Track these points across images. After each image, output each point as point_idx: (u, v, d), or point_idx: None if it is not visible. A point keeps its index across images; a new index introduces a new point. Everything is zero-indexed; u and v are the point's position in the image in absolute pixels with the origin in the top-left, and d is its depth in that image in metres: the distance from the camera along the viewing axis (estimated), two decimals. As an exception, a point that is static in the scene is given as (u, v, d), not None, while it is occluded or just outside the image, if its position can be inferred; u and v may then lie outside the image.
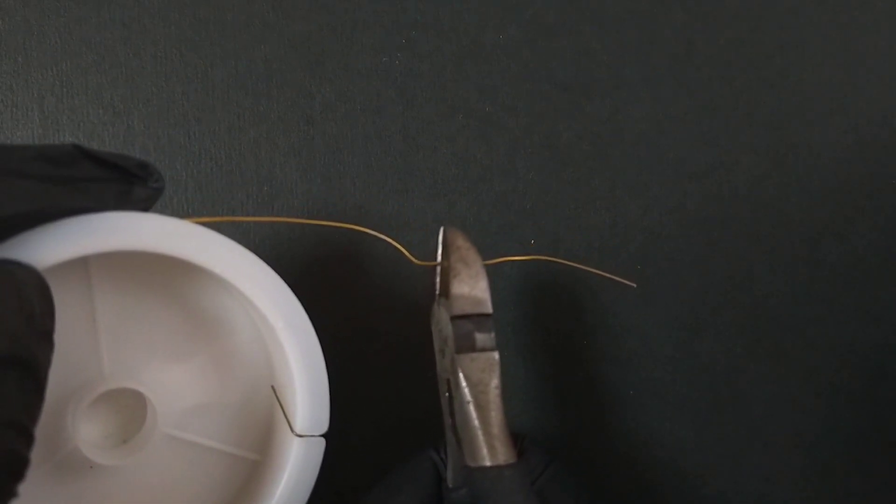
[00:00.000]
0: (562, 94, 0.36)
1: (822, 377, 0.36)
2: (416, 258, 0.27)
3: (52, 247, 0.17)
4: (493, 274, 0.35)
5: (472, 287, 0.25)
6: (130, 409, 0.24)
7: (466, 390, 0.24)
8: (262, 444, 0.25)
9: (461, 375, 0.24)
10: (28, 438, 0.15)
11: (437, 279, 0.27)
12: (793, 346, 0.36)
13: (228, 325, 0.25)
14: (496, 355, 0.25)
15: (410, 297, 0.34)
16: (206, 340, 0.24)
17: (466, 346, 0.24)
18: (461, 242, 0.26)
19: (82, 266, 0.21)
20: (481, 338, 0.25)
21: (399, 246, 0.27)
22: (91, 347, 0.22)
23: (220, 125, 0.33)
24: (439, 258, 0.27)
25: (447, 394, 0.26)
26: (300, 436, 0.23)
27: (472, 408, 0.24)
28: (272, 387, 0.25)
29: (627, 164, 0.36)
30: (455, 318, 0.25)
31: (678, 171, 0.36)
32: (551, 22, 0.36)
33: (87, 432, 0.23)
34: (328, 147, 0.34)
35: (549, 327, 0.35)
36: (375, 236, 0.27)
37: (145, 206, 0.19)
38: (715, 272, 0.36)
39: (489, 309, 0.25)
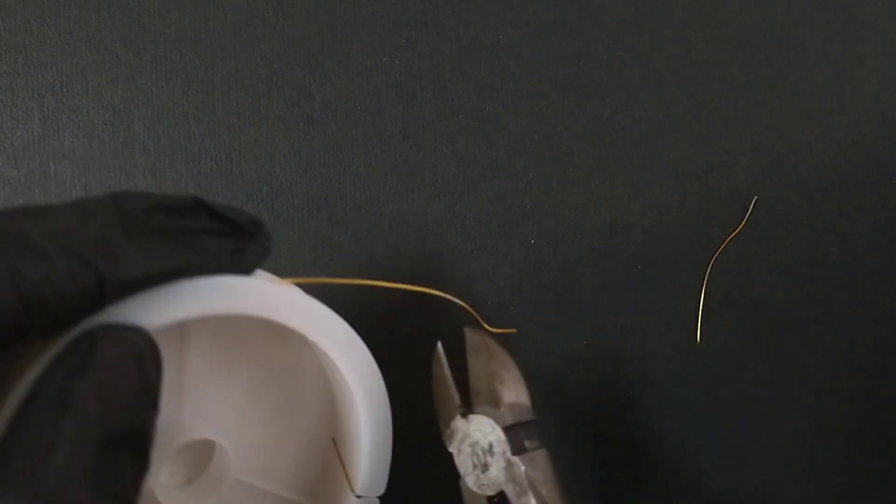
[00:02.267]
0: (562, 94, 0.36)
1: (822, 377, 0.36)
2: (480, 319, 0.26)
3: (167, 309, 0.17)
4: (494, 273, 0.35)
5: (518, 394, 0.25)
6: (199, 451, 0.24)
7: (534, 493, 0.23)
8: (316, 492, 0.26)
9: (526, 478, 0.23)
10: None
11: (453, 389, 0.26)
12: (793, 346, 0.36)
13: (298, 377, 0.26)
14: (546, 451, 0.24)
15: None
16: (276, 390, 0.25)
17: (519, 448, 0.24)
18: (495, 347, 0.26)
19: (179, 323, 0.22)
20: (530, 445, 0.24)
21: (473, 311, 0.27)
22: (174, 399, 0.22)
23: (220, 125, 0.33)
24: (446, 369, 0.26)
25: None
26: (359, 496, 0.23)
27: None
28: (333, 440, 0.25)
29: (627, 164, 0.36)
30: (507, 428, 0.24)
31: (678, 171, 0.36)
32: (551, 22, 0.36)
33: (158, 475, 0.23)
34: (328, 147, 0.34)
35: (548, 327, 0.35)
36: (450, 300, 0.26)
37: (253, 267, 0.19)
38: (715, 272, 0.36)
39: (533, 416, 0.25)
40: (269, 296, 0.20)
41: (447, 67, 0.35)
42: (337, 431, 0.26)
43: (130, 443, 0.15)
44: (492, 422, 0.24)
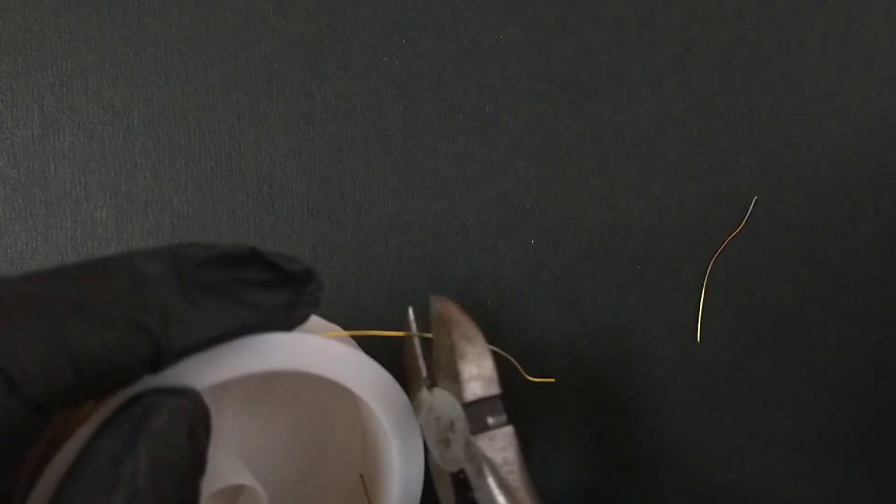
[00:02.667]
0: (562, 94, 0.36)
1: (822, 377, 0.36)
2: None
3: (217, 370, 0.17)
4: (494, 274, 0.35)
5: (480, 367, 0.23)
6: (231, 495, 0.24)
7: (491, 475, 0.22)
8: None
9: (484, 459, 0.22)
10: None
11: (421, 360, 0.25)
12: (793, 346, 0.36)
13: (329, 415, 0.26)
14: (512, 429, 0.23)
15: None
16: (307, 430, 0.25)
17: (480, 427, 0.23)
18: (458, 316, 0.24)
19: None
20: (493, 421, 0.23)
21: (513, 360, 0.27)
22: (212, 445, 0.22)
23: (220, 125, 0.33)
24: (415, 337, 0.25)
25: (453, 489, 0.24)
26: None
27: (500, 493, 0.22)
28: (361, 476, 0.25)
29: (627, 164, 0.36)
30: (467, 405, 0.23)
31: (678, 171, 0.36)
32: (551, 22, 0.36)
33: None
34: (328, 147, 0.34)
35: (548, 327, 0.35)
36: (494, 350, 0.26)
37: (304, 320, 0.19)
38: (715, 272, 0.36)
39: (499, 389, 0.23)
40: (312, 351, 0.20)
41: (447, 67, 0.35)
42: (365, 467, 0.26)
43: None
44: (452, 398, 0.23)
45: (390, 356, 0.25)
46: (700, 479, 0.36)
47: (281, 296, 0.18)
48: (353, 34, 0.34)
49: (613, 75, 0.36)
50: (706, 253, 0.36)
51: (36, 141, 0.32)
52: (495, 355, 0.24)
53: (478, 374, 0.23)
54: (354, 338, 0.25)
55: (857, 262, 0.37)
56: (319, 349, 0.20)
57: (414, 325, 0.26)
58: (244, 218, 0.33)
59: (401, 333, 0.25)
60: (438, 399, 0.24)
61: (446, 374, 0.24)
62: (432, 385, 0.24)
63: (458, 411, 0.23)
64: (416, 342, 0.25)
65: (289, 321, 0.18)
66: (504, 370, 0.24)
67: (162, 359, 0.15)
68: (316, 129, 0.34)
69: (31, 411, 0.13)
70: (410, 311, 0.26)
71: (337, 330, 0.24)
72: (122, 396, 0.16)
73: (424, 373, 0.25)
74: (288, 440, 0.25)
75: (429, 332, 0.25)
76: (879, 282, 0.37)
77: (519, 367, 0.27)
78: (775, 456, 0.36)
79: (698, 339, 0.36)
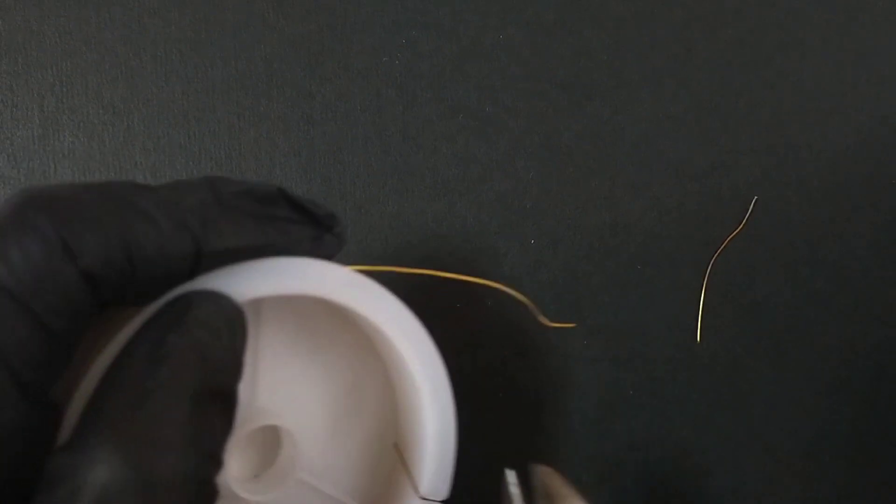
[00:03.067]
0: (562, 94, 0.36)
1: (822, 377, 0.36)
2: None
3: (253, 284, 0.18)
4: (494, 273, 0.35)
5: None
6: (267, 442, 0.24)
7: None
8: (379, 500, 0.25)
9: None
10: (219, 468, 0.15)
11: None
12: (793, 346, 0.36)
13: (363, 383, 0.26)
14: None
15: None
16: (342, 390, 0.25)
17: None
18: (566, 491, 0.23)
19: (256, 302, 0.22)
20: None
21: (532, 303, 0.26)
22: (248, 380, 0.22)
23: (220, 125, 0.33)
24: (519, 499, 0.23)
25: None
26: (424, 499, 0.23)
27: None
28: (395, 445, 0.25)
29: (627, 164, 0.36)
30: None
31: (678, 171, 0.36)
32: (551, 22, 0.36)
33: (229, 464, 0.23)
34: (328, 147, 0.34)
35: (549, 327, 0.35)
36: (509, 293, 0.25)
37: (329, 256, 0.20)
38: (715, 272, 0.36)
39: None
40: (344, 280, 0.20)
41: (447, 67, 0.35)
42: (398, 438, 0.25)
43: (220, 401, 0.15)
44: None
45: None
46: (700, 479, 0.36)
47: (306, 230, 0.19)
48: (353, 34, 0.34)
49: (613, 75, 0.36)
50: (706, 253, 0.36)
51: (36, 141, 0.32)
52: (506, 296, 0.23)
53: None
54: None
55: (857, 262, 0.37)
56: (346, 279, 0.20)
57: (515, 491, 0.24)
58: (244, 218, 0.33)
59: (430, 272, 0.24)
60: None
61: None
62: None
63: None
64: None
65: (314, 253, 0.19)
66: (520, 316, 0.23)
67: (201, 258, 0.16)
68: (316, 129, 0.34)
69: (85, 283, 0.14)
70: (507, 474, 0.25)
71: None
72: (165, 298, 0.16)
73: None
74: (325, 396, 0.25)
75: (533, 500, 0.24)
76: (879, 282, 0.37)
77: (536, 308, 0.27)
78: (775, 456, 0.36)
79: (698, 339, 0.36)
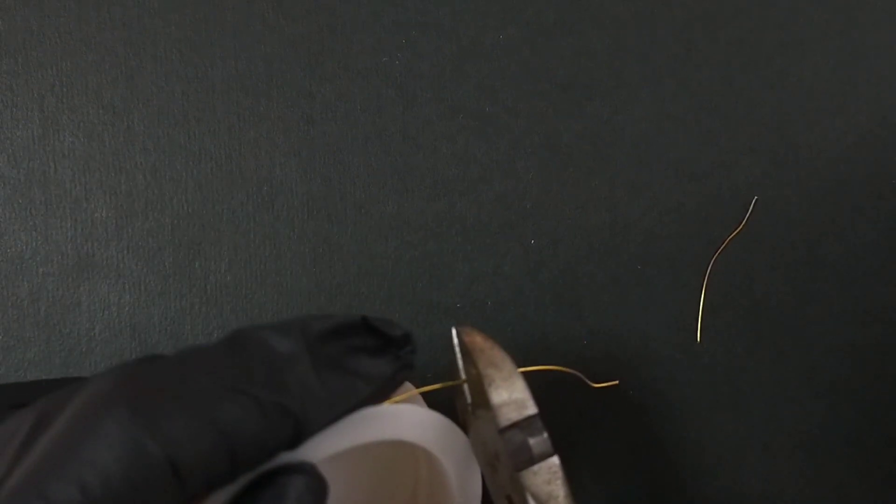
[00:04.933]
0: (562, 94, 0.36)
1: (822, 377, 0.36)
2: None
3: (332, 442, 0.18)
4: (494, 274, 0.35)
5: (510, 391, 0.23)
6: None
7: None
8: None
9: (528, 494, 0.22)
10: None
11: (466, 389, 0.25)
12: (793, 346, 0.36)
13: (390, 472, 0.27)
14: (556, 460, 0.22)
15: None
16: (373, 488, 0.26)
17: (524, 459, 0.22)
18: (482, 342, 0.24)
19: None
20: (535, 443, 0.22)
21: (581, 375, 0.27)
22: None
23: (220, 125, 0.33)
24: (459, 361, 0.25)
25: None
26: None
27: None
28: None
29: (627, 164, 0.36)
30: (504, 431, 0.22)
31: (678, 171, 0.36)
32: (551, 22, 0.36)
33: None
34: (328, 147, 0.34)
35: (548, 327, 0.35)
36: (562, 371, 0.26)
37: (401, 384, 0.21)
38: (715, 272, 0.36)
39: (534, 409, 0.23)
40: (413, 421, 0.21)
41: (447, 67, 0.35)
42: None
43: None
44: (491, 427, 0.23)
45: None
46: (700, 479, 0.36)
47: (385, 364, 0.19)
48: (353, 34, 0.34)
49: (613, 75, 0.36)
50: (706, 253, 0.36)
51: (36, 141, 0.32)
52: (556, 374, 0.24)
53: (508, 398, 0.23)
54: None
55: (857, 262, 0.37)
56: (415, 417, 0.22)
57: (458, 349, 0.26)
58: (244, 218, 0.33)
59: (462, 381, 0.25)
60: (483, 426, 0.24)
61: (480, 402, 0.24)
62: (474, 412, 0.24)
63: (499, 442, 0.22)
64: (460, 367, 0.25)
65: (391, 387, 0.20)
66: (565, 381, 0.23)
67: (301, 438, 0.16)
68: (316, 129, 0.34)
69: (186, 500, 0.14)
70: (454, 331, 0.26)
71: (407, 384, 0.25)
72: (251, 474, 0.16)
73: (469, 398, 0.25)
74: (359, 490, 0.26)
75: (464, 360, 0.25)
76: (879, 282, 0.37)
77: (584, 378, 0.27)
78: (775, 456, 0.36)
79: (698, 339, 0.36)
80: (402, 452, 0.27)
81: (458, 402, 0.26)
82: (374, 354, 0.19)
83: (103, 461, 0.13)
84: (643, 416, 0.35)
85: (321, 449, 0.18)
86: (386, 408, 0.20)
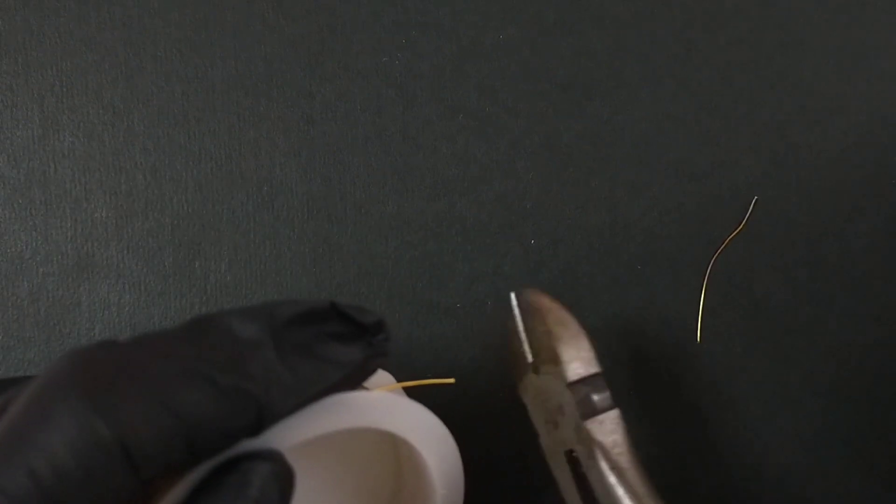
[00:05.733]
0: (562, 94, 0.36)
1: (822, 377, 0.36)
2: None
3: (301, 430, 0.18)
4: (494, 274, 0.35)
5: (578, 348, 0.24)
6: None
7: (603, 457, 0.23)
8: None
9: (594, 443, 0.23)
10: None
11: (526, 345, 0.26)
12: (793, 346, 0.36)
13: (366, 466, 0.26)
14: (618, 412, 0.24)
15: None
16: (350, 484, 0.26)
17: (589, 411, 0.23)
18: (549, 303, 0.25)
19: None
20: (599, 398, 0.24)
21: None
22: None
23: (220, 125, 0.33)
24: (519, 323, 0.26)
25: (569, 467, 0.25)
26: None
27: (613, 475, 0.23)
28: None
29: (627, 164, 0.36)
30: (572, 385, 0.24)
31: (678, 171, 0.36)
32: (551, 22, 0.36)
33: None
34: (328, 147, 0.34)
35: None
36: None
37: (373, 372, 0.20)
38: (715, 272, 0.36)
39: (598, 367, 0.24)
40: (384, 408, 0.21)
41: (447, 67, 0.35)
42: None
43: None
44: (558, 382, 0.24)
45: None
46: (699, 478, 0.36)
47: (356, 350, 0.19)
48: (353, 34, 0.34)
49: (613, 75, 0.36)
50: (706, 253, 0.36)
51: (36, 141, 0.32)
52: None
53: (576, 355, 0.24)
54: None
55: (857, 262, 0.37)
56: (389, 406, 0.21)
57: (517, 312, 0.26)
58: (244, 218, 0.33)
59: (449, 381, 0.25)
60: (544, 383, 0.25)
61: (547, 358, 0.25)
62: (537, 368, 0.25)
63: (566, 395, 0.24)
64: (520, 328, 0.26)
65: (363, 374, 0.19)
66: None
67: (263, 424, 0.16)
68: (316, 129, 0.34)
69: (142, 485, 0.14)
70: (513, 296, 0.27)
71: (389, 378, 0.25)
72: (213, 461, 0.16)
73: (530, 358, 0.26)
74: (333, 497, 0.25)
75: (527, 319, 0.26)
76: (879, 282, 0.37)
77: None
78: (775, 456, 0.36)
79: (698, 339, 0.36)
80: (382, 447, 0.27)
81: (514, 366, 0.27)
82: (345, 341, 0.18)
83: (53, 446, 0.13)
84: (643, 416, 0.35)
85: (288, 436, 0.17)
86: (357, 394, 0.19)
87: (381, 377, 0.25)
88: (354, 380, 0.19)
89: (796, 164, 0.37)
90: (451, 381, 0.25)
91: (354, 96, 0.34)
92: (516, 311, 0.26)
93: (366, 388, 0.21)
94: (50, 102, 0.33)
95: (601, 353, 0.35)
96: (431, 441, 0.22)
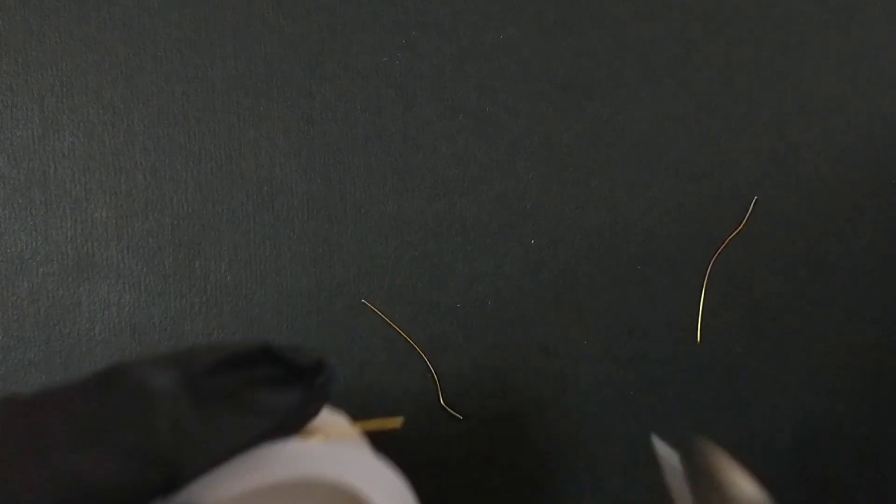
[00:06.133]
0: (562, 94, 0.36)
1: (822, 377, 0.36)
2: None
3: (227, 485, 0.17)
4: (494, 274, 0.35)
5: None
6: None
7: None
8: None
9: None
10: None
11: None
12: (793, 346, 0.36)
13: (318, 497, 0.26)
14: None
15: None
16: None
17: None
18: (721, 472, 0.22)
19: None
20: None
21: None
22: None
23: (220, 125, 0.33)
24: (682, 484, 0.23)
25: None
26: None
27: None
28: None
29: (627, 164, 0.36)
30: None
31: (678, 171, 0.36)
32: (551, 22, 0.36)
33: None
34: (328, 147, 0.34)
35: (549, 327, 0.35)
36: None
37: (315, 416, 0.19)
38: (715, 272, 0.36)
39: None
40: (328, 460, 0.19)
41: (447, 67, 0.35)
42: None
43: None
44: None
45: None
46: (700, 479, 0.36)
47: (292, 395, 0.18)
48: (353, 34, 0.34)
49: (613, 75, 0.36)
50: (706, 253, 0.36)
51: (36, 141, 0.32)
52: None
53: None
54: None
55: (857, 262, 0.37)
56: (331, 456, 0.19)
57: (673, 462, 0.24)
58: (244, 218, 0.33)
59: (398, 423, 0.24)
60: None
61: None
62: None
63: None
64: (685, 486, 0.24)
65: (301, 420, 0.18)
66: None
67: (177, 482, 0.15)
68: (316, 129, 0.34)
69: None
70: (655, 441, 0.24)
71: (341, 421, 0.24)
72: None
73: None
74: None
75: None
76: (879, 282, 0.37)
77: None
78: (775, 456, 0.36)
79: (698, 339, 0.36)
80: (338, 499, 0.26)
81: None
82: (279, 385, 0.17)
83: None
84: (643, 416, 0.35)
85: (215, 491, 0.16)
86: (288, 444, 0.18)
87: (334, 419, 0.24)
88: (291, 426, 0.18)
89: (796, 164, 0.37)
90: (400, 420, 0.24)
91: (354, 96, 0.34)
92: (672, 461, 0.24)
93: (319, 433, 0.20)
94: (50, 102, 0.33)
95: (601, 353, 0.35)
96: (384, 491, 0.21)
